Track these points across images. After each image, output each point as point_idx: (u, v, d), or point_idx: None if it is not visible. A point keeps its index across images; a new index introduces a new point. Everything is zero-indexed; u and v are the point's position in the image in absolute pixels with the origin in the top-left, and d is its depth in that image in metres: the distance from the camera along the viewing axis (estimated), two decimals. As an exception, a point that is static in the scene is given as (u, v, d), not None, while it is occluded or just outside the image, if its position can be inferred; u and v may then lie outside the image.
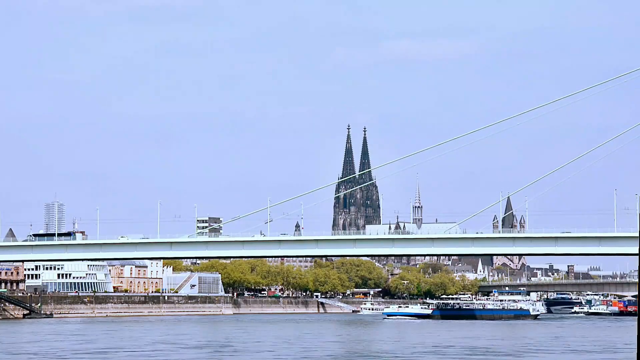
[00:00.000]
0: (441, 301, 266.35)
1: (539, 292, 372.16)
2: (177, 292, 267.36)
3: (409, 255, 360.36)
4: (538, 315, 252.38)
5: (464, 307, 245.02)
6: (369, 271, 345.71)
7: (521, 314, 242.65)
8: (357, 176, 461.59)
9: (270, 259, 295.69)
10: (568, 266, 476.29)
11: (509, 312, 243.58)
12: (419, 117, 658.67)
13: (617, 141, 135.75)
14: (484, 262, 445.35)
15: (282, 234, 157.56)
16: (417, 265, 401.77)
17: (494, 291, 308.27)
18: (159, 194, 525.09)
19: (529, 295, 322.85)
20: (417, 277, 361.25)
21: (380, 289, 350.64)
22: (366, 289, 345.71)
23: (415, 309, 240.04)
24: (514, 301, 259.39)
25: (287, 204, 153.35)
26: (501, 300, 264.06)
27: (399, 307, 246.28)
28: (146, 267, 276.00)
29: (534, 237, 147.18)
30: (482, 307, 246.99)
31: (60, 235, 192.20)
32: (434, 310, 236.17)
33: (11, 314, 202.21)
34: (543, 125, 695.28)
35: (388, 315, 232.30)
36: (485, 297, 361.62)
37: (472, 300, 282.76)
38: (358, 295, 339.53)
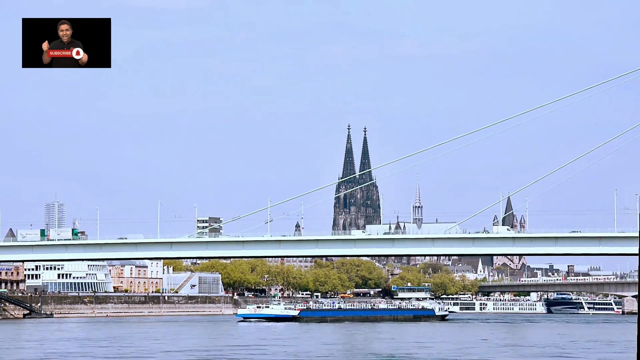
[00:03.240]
0: (315, 299, 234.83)
1: (539, 292, 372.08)
2: (177, 292, 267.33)
3: (409, 255, 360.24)
4: (446, 315, 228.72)
5: (344, 308, 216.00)
6: (369, 271, 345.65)
7: (423, 314, 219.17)
8: (357, 176, 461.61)
9: (270, 259, 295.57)
10: (568, 266, 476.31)
11: (407, 313, 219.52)
12: (419, 117, 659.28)
13: (617, 141, 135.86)
14: (484, 262, 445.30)
15: (283, 235, 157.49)
16: (417, 265, 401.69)
17: (394, 287, 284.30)
18: (159, 194, 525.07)
19: (434, 293, 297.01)
20: (417, 277, 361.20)
21: (380, 289, 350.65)
22: (366, 289, 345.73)
23: (277, 309, 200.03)
24: (418, 299, 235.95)
25: (287, 204, 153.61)
26: (402, 299, 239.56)
27: (258, 307, 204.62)
28: (146, 267, 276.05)
29: (534, 237, 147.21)
30: (372, 307, 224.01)
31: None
32: (301, 311, 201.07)
33: (11, 314, 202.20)
34: (543, 125, 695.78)
35: (244, 318, 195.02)
36: (486, 296, 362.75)
37: (385, 299, 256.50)
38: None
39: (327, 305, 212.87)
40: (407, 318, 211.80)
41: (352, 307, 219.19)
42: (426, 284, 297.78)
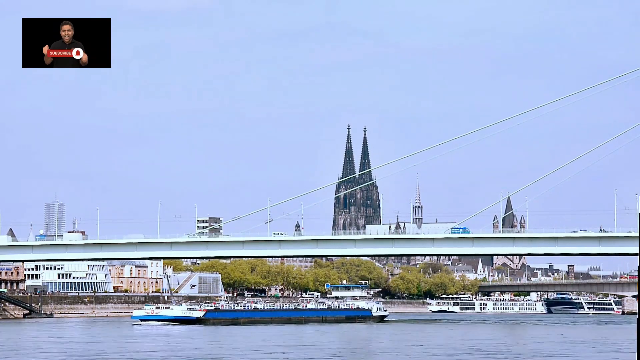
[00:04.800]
0: (229, 299, 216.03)
1: (539, 292, 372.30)
2: (177, 292, 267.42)
3: (409, 255, 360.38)
4: (385, 316, 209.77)
5: (262, 308, 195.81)
6: (369, 271, 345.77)
7: (358, 315, 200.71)
8: (357, 176, 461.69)
9: (270, 259, 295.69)
10: (568, 266, 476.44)
11: (338, 313, 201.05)
12: (419, 117, 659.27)
13: (617, 141, 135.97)
14: (484, 262, 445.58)
15: (281, 233, 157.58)
16: (417, 265, 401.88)
17: (327, 285, 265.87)
18: (159, 194, 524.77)
19: (370, 291, 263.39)
20: (417, 277, 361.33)
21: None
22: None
23: (179, 310, 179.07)
24: (354, 299, 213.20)
25: (287, 204, 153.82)
26: (336, 298, 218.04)
27: (157, 307, 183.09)
28: (146, 267, 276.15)
29: (534, 237, 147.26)
30: (295, 308, 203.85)
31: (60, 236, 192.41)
32: (207, 312, 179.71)
33: (11, 314, 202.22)
34: (543, 125, 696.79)
35: (141, 320, 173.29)
36: (486, 296, 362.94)
37: (317, 298, 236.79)
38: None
39: (242, 306, 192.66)
40: (338, 319, 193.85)
41: (272, 308, 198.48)
42: (363, 282, 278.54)
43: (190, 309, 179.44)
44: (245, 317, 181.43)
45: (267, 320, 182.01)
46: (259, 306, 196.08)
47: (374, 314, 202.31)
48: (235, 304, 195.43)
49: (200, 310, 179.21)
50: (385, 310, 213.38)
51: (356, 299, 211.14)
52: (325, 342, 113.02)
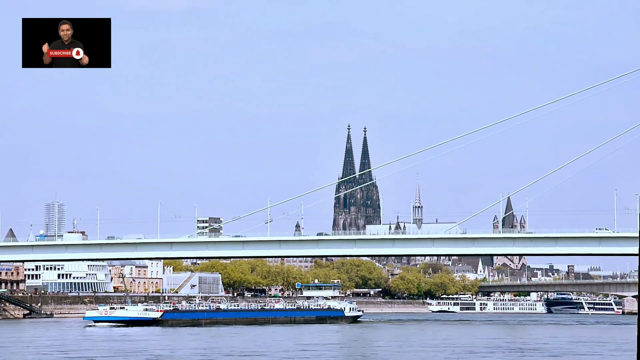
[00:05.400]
0: (192, 299, 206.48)
1: (539, 292, 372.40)
2: (177, 292, 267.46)
3: (409, 255, 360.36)
4: (359, 317, 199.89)
5: (225, 308, 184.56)
6: (369, 271, 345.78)
7: (329, 316, 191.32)
8: (357, 176, 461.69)
9: (270, 259, 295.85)
10: (568, 266, 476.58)
11: (308, 313, 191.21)
12: (419, 117, 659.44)
13: (617, 141, 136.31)
14: (484, 262, 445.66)
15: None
16: (417, 265, 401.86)
17: (298, 285, 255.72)
18: (159, 194, 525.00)
19: (341, 290, 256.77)
20: (417, 277, 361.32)
21: (380, 289, 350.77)
22: (366, 289, 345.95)
23: (134, 311, 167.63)
24: (326, 298, 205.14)
25: (287, 204, 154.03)
26: (308, 298, 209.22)
27: (111, 308, 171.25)
28: (146, 267, 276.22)
29: (534, 237, 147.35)
30: (262, 308, 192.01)
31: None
32: (165, 312, 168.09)
33: (11, 314, 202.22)
34: (543, 125, 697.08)
35: (95, 321, 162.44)
36: (486, 296, 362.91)
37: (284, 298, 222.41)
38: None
39: (204, 306, 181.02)
40: (308, 319, 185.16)
41: (237, 308, 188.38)
42: (335, 281, 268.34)
43: (146, 310, 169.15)
44: (206, 318, 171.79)
45: (231, 321, 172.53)
46: (222, 306, 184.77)
47: (346, 315, 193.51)
48: (197, 304, 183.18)
49: (157, 310, 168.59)
50: (359, 311, 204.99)
51: (328, 299, 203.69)
52: (266, 344, 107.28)
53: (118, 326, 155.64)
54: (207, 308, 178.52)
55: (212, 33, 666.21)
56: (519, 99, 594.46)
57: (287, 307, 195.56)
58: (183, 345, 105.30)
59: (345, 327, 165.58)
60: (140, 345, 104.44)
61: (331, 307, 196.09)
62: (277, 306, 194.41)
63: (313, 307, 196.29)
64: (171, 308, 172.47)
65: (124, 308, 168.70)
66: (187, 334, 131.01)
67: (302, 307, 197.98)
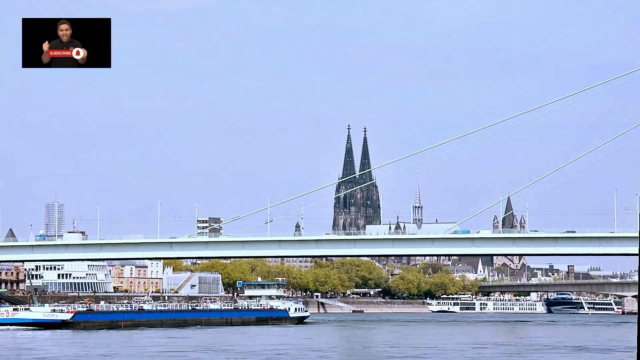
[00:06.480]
0: (111, 299, 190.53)
1: (539, 292, 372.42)
2: (177, 292, 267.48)
3: (409, 255, 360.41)
4: (305, 317, 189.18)
5: (149, 309, 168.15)
6: (369, 271, 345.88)
7: (271, 316, 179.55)
8: (357, 176, 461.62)
9: (270, 259, 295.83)
10: (568, 266, 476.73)
11: (247, 314, 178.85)
12: (419, 117, 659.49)
13: (617, 141, 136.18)
14: (484, 262, 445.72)
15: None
16: (417, 265, 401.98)
17: (239, 283, 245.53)
18: (159, 194, 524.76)
19: (285, 290, 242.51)
20: (417, 277, 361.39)
21: (380, 289, 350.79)
22: (366, 289, 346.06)
23: (39, 312, 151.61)
24: (271, 297, 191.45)
25: (287, 204, 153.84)
26: (250, 297, 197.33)
27: (15, 309, 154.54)
28: (146, 267, 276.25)
29: (534, 237, 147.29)
30: (193, 308, 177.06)
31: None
32: (76, 314, 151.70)
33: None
34: (543, 125, 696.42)
35: None
36: (486, 296, 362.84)
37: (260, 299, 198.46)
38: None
39: (124, 306, 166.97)
40: (247, 321, 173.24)
41: (164, 309, 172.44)
42: (280, 279, 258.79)
43: (54, 311, 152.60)
44: (126, 320, 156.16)
45: (156, 323, 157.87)
46: (146, 307, 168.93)
47: (290, 315, 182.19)
48: (117, 305, 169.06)
49: (68, 312, 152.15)
50: (305, 311, 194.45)
51: (272, 299, 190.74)
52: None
53: (27, 329, 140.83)
54: (128, 309, 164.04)
55: (212, 33, 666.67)
56: (519, 99, 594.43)
57: (223, 308, 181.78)
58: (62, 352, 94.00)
59: (287, 329, 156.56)
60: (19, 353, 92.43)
61: (274, 307, 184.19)
62: (212, 306, 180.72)
63: (253, 308, 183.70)
64: (84, 309, 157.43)
65: (29, 309, 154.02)
66: (86, 338, 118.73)
67: (240, 308, 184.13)
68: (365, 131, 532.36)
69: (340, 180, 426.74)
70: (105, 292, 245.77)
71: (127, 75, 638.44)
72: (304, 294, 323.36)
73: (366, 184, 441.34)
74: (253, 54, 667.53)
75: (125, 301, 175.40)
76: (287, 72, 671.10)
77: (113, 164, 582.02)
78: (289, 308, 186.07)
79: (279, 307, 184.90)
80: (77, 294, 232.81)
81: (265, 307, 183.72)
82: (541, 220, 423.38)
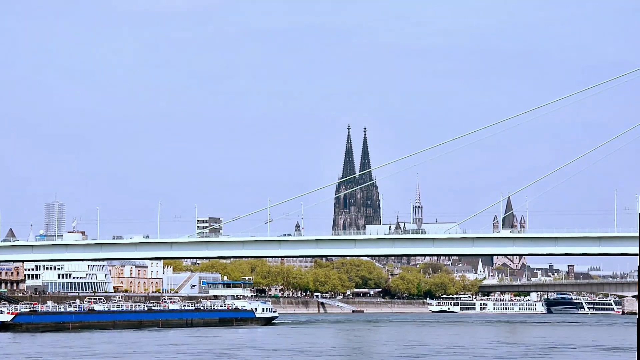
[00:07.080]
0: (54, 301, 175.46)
1: (539, 292, 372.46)
2: (177, 292, 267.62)
3: (409, 255, 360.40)
4: (274, 318, 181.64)
5: (100, 310, 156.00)
6: (369, 271, 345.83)
7: (236, 317, 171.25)
8: (357, 176, 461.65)
9: (270, 259, 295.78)
10: (568, 266, 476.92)
11: (210, 315, 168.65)
12: (419, 117, 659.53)
13: (617, 141, 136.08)
14: (484, 262, 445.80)
15: (283, 234, 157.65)
16: (417, 265, 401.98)
17: (203, 282, 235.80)
18: (159, 194, 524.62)
19: (261, 292, 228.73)
20: (417, 277, 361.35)
21: (380, 289, 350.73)
22: (366, 289, 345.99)
23: None
24: (237, 297, 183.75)
25: (287, 204, 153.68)
26: (215, 297, 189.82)
27: None
28: (146, 267, 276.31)
29: (534, 237, 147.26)
30: (149, 309, 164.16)
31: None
32: (17, 315, 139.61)
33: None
34: (544, 125, 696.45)
35: None
36: (486, 296, 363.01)
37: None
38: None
39: (73, 306, 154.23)
40: (209, 322, 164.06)
41: (118, 309, 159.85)
42: (247, 278, 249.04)
43: None
44: (75, 321, 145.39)
45: (108, 324, 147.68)
46: (98, 307, 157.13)
47: (257, 316, 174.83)
48: (65, 305, 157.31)
49: (8, 313, 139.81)
50: (274, 312, 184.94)
51: (238, 298, 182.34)
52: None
53: None
54: (77, 309, 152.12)
55: (212, 33, 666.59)
56: (518, 99, 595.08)
57: (184, 308, 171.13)
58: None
59: (252, 330, 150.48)
60: None
61: (239, 307, 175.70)
62: (172, 307, 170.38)
63: (217, 308, 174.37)
64: (27, 310, 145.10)
65: None
66: (18, 342, 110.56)
67: (202, 308, 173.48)
68: (365, 131, 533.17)
69: (340, 180, 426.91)
70: (105, 292, 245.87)
71: (127, 75, 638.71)
72: (304, 294, 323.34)
73: (366, 184, 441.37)
74: (253, 54, 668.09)
75: (77, 301, 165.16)
76: (287, 72, 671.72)
77: (113, 164, 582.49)
78: (256, 308, 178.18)
79: (244, 308, 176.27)
80: (77, 294, 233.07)
81: (230, 308, 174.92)
82: (541, 220, 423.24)
